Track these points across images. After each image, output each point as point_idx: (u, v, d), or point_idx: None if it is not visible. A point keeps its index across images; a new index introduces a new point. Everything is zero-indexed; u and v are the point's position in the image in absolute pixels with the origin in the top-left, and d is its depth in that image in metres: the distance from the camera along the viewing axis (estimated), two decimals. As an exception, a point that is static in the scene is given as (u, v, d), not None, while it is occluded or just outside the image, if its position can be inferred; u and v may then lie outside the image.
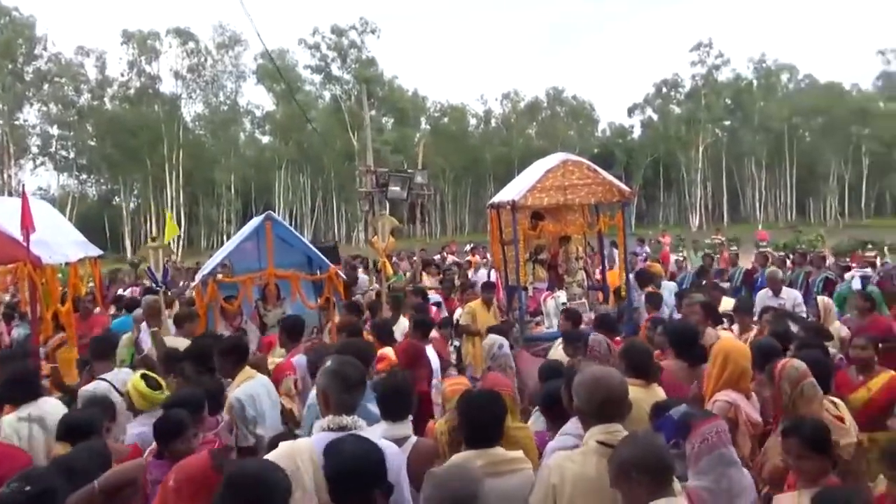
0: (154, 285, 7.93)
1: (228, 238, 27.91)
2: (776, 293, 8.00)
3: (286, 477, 2.20)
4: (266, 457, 2.57)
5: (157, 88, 52.33)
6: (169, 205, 48.94)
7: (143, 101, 51.61)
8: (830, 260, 14.08)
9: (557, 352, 5.56)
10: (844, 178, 59.50)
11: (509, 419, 3.28)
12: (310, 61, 56.62)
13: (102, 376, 4.61)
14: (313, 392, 3.51)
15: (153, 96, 51.98)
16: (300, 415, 4.31)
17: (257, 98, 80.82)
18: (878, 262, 14.73)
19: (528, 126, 66.05)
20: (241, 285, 7.20)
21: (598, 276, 9.71)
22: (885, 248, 18.13)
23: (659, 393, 3.63)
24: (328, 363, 2.84)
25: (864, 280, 9.70)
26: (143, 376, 4.01)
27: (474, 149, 61.81)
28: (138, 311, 8.75)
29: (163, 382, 4.10)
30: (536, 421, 3.78)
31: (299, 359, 5.08)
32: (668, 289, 9.33)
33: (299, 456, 2.51)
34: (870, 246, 18.25)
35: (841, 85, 61.47)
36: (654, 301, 7.55)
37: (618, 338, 5.57)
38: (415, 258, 13.69)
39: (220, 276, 7.51)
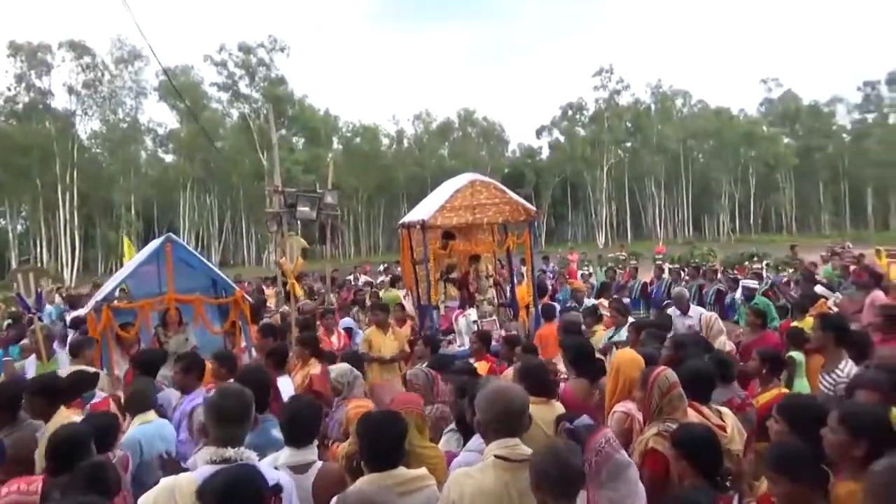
0: (27, 312, 7.39)
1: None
2: (684, 312, 8.32)
3: None
4: (146, 494, 2.48)
5: (49, 104, 49.25)
6: (62, 227, 46.06)
7: (32, 118, 48.37)
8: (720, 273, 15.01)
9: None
10: (735, 196, 63.71)
11: (418, 439, 3.28)
12: (216, 79, 55.10)
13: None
14: None
15: (44, 112, 48.85)
16: None
17: (160, 115, 77.58)
18: (764, 272, 15.82)
19: (441, 146, 66.84)
20: (138, 311, 6.86)
21: (507, 294, 9.92)
22: (769, 263, 19.49)
23: (559, 409, 3.71)
24: (211, 394, 2.78)
25: (750, 291, 10.24)
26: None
27: (387, 169, 61.87)
28: (25, 341, 8.20)
29: None
30: (449, 441, 3.77)
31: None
32: (589, 304, 9.71)
33: (179, 491, 2.45)
34: (755, 258, 19.62)
35: (729, 110, 66.26)
36: (548, 313, 7.79)
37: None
38: (321, 281, 13.49)
39: (116, 303, 7.14)
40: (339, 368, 4.51)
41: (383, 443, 2.77)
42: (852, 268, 12.83)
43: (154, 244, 7.73)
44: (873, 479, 1.63)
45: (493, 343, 6.84)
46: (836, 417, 2.71)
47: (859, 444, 2.57)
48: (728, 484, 2.90)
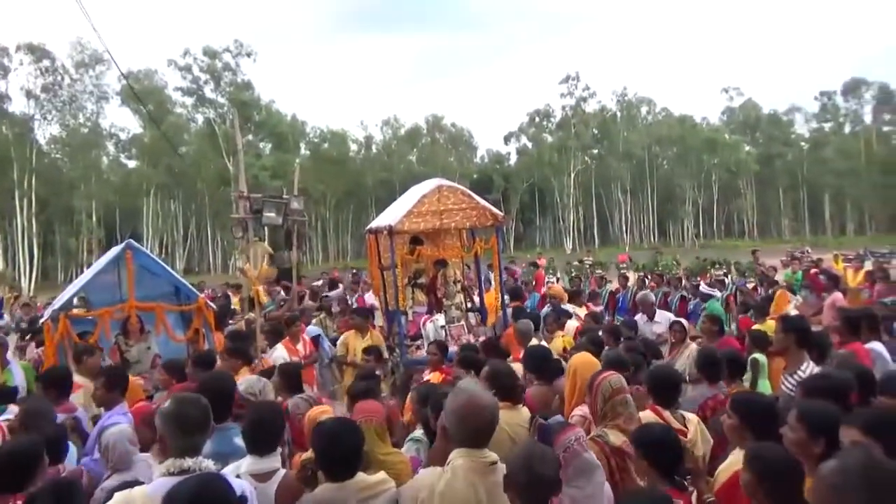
0: None
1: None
2: (650, 317, 8.37)
3: None
4: None
5: (6, 108, 47.93)
6: (20, 234, 44.80)
7: (-12, 122, 47.15)
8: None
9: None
10: (699, 202, 65.00)
11: (379, 446, 3.24)
12: (181, 83, 54.31)
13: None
14: None
15: (0, 116, 47.54)
16: None
17: (123, 120, 76.09)
18: (727, 279, 16.12)
19: (409, 152, 66.91)
20: (97, 320, 6.68)
21: (476, 299, 9.90)
22: (732, 266, 19.92)
23: (525, 414, 3.71)
24: (167, 404, 2.69)
25: (705, 297, 10.35)
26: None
27: (356, 174, 61.65)
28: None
29: None
30: (409, 449, 3.74)
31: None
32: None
33: None
34: (717, 265, 20.00)
35: (692, 117, 67.70)
36: (518, 317, 7.82)
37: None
38: (294, 287, 13.29)
39: (75, 311, 6.94)
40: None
41: (338, 452, 2.72)
42: (812, 271, 13.15)
43: (114, 251, 7.53)
44: (820, 481, 1.66)
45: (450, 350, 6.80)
46: (794, 416, 2.75)
47: (817, 442, 2.62)
48: (687, 482, 2.94)
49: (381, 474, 2.83)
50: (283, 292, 14.52)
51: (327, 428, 2.83)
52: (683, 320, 7.24)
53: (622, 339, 6.23)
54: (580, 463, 2.71)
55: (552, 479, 2.35)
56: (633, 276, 16.42)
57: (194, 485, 2.19)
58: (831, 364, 4.57)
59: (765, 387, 5.34)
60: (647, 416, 3.59)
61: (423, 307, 9.11)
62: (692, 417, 3.77)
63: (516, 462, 2.36)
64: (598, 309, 10.84)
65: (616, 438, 3.24)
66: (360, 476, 2.74)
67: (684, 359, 6.20)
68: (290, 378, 4.72)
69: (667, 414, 3.64)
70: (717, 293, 11.04)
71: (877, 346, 5.16)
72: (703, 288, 11.13)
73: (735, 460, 2.93)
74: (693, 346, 6.39)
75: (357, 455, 2.76)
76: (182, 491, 2.16)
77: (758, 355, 5.73)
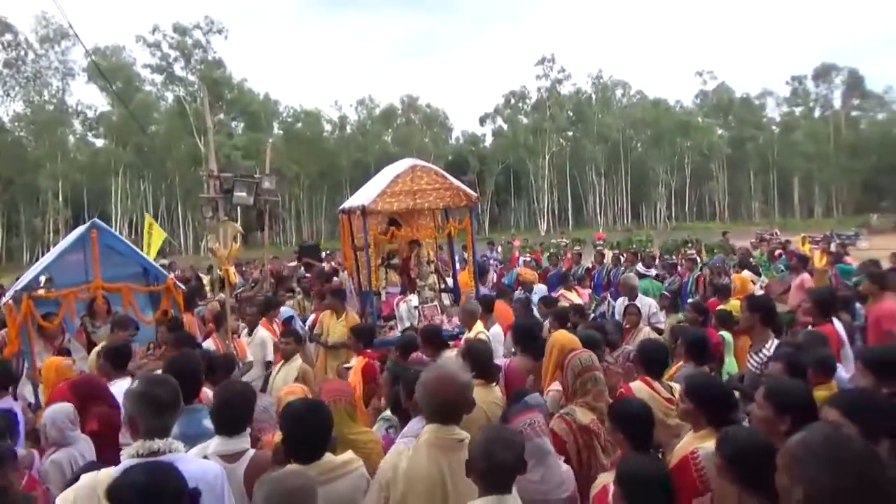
0: None
1: (55, 250, 25.31)
2: (632, 300, 8.27)
3: None
4: (64, 492, 2.34)
5: (-34, 84, 46.52)
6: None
7: (-53, 98, 45.66)
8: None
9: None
10: (671, 184, 65.67)
11: (349, 426, 3.23)
12: (150, 60, 53.03)
13: None
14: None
15: (-40, 92, 46.15)
16: None
17: (90, 97, 73.94)
18: (699, 259, 16.34)
19: (384, 132, 66.38)
20: (61, 300, 6.52)
21: (448, 280, 9.90)
22: (703, 247, 20.17)
23: (497, 392, 3.78)
24: (135, 384, 2.63)
25: (643, 277, 10.44)
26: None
27: (330, 154, 61.01)
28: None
29: None
30: (380, 428, 3.75)
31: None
32: (538, 292, 9.82)
33: (100, 488, 2.31)
34: (690, 245, 20.25)
35: (667, 101, 68.16)
36: (486, 303, 7.86)
37: None
38: (266, 267, 13.15)
39: (40, 292, 6.76)
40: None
41: (305, 434, 2.69)
42: (777, 252, 13.39)
43: (79, 231, 7.35)
44: (784, 454, 1.69)
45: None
46: (761, 394, 2.79)
47: (784, 420, 2.65)
48: (660, 455, 3.04)
49: (349, 454, 2.81)
50: (302, 269, 14.40)
51: (294, 410, 2.80)
52: (638, 303, 7.36)
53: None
54: (531, 447, 2.74)
55: (514, 464, 2.33)
56: (609, 254, 16.57)
57: (143, 477, 2.10)
58: (793, 339, 4.70)
59: (730, 364, 5.45)
60: (637, 386, 3.79)
61: (397, 288, 9.07)
62: (678, 387, 3.87)
63: (477, 448, 2.35)
64: (587, 291, 10.98)
65: (584, 416, 3.29)
66: (328, 457, 2.72)
67: (636, 343, 6.31)
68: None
69: (656, 385, 3.81)
70: (653, 272, 11.52)
71: (836, 323, 5.32)
72: (640, 268, 11.32)
73: (688, 442, 3.00)
74: (646, 329, 6.52)
75: (324, 437, 2.73)
76: (129, 483, 2.08)
77: (724, 333, 5.84)
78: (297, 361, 5.74)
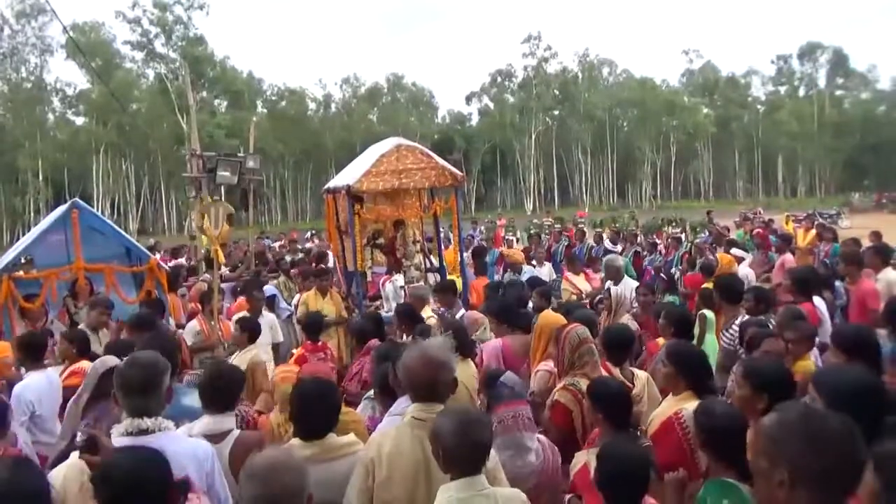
0: None
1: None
2: (616, 282, 8.17)
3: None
4: (55, 469, 2.34)
5: (-60, 61, 45.43)
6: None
7: (-79, 75, 44.60)
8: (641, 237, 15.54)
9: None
10: (657, 163, 65.83)
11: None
12: (130, 37, 51.94)
13: None
14: None
15: (-65, 69, 45.08)
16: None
17: (69, 75, 72.27)
18: (683, 237, 16.47)
19: (369, 111, 65.77)
20: (43, 281, 6.46)
21: (434, 259, 9.90)
22: (688, 226, 20.34)
23: (472, 367, 3.92)
24: (118, 365, 2.64)
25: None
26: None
27: (315, 134, 60.43)
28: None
29: None
30: (365, 408, 3.78)
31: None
32: (527, 272, 9.70)
33: (87, 468, 2.34)
34: (674, 224, 20.38)
35: (653, 80, 67.93)
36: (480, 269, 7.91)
37: None
38: (249, 248, 13.07)
39: (20, 273, 6.68)
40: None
41: (319, 411, 2.75)
42: (756, 231, 13.52)
43: (60, 210, 7.25)
44: (759, 433, 1.69)
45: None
46: (740, 373, 2.84)
47: (761, 398, 2.70)
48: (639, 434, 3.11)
49: (351, 436, 2.86)
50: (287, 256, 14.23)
51: (308, 387, 2.86)
52: (621, 286, 7.38)
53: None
54: (511, 439, 2.81)
55: (477, 449, 2.25)
56: (590, 232, 16.67)
57: (129, 465, 2.08)
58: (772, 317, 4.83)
59: (711, 341, 5.55)
60: None
61: (383, 268, 9.08)
62: (641, 375, 3.94)
63: (447, 429, 2.22)
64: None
65: (584, 386, 3.36)
66: (332, 437, 2.77)
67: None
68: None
69: (616, 371, 3.83)
70: (619, 248, 11.74)
71: (817, 301, 5.47)
72: (607, 244, 11.42)
73: (668, 406, 3.07)
74: (627, 317, 6.62)
75: (333, 416, 2.80)
76: (112, 470, 2.07)
77: (706, 311, 5.94)
78: (251, 353, 5.35)
